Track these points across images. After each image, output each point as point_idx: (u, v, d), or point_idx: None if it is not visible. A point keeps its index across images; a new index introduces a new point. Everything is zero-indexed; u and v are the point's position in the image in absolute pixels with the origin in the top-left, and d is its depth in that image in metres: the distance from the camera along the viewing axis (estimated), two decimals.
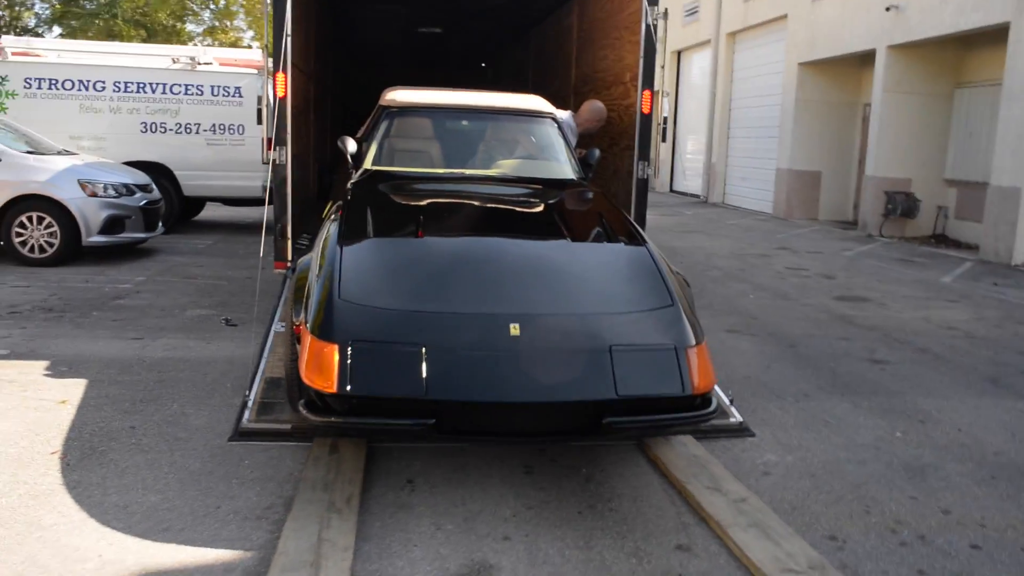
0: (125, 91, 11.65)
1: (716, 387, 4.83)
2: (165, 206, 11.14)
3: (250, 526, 3.26)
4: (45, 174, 8.86)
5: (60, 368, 5.14)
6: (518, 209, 5.05)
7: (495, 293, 3.70)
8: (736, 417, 4.58)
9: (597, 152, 6.08)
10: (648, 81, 6.53)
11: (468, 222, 4.74)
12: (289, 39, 6.29)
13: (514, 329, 3.45)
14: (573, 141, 6.47)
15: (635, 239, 4.37)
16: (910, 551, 3.26)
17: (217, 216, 13.94)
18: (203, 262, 9.36)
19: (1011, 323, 7.48)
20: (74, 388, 4.78)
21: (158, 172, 11.29)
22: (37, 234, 8.75)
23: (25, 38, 19.82)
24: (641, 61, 6.52)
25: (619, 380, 3.34)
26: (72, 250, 8.83)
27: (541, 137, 6.02)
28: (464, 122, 6.04)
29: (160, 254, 9.82)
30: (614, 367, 3.37)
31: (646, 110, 6.56)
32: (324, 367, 3.29)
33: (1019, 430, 4.68)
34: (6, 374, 4.98)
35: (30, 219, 8.73)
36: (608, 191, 7.49)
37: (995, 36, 11.78)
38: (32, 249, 8.77)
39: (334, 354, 3.30)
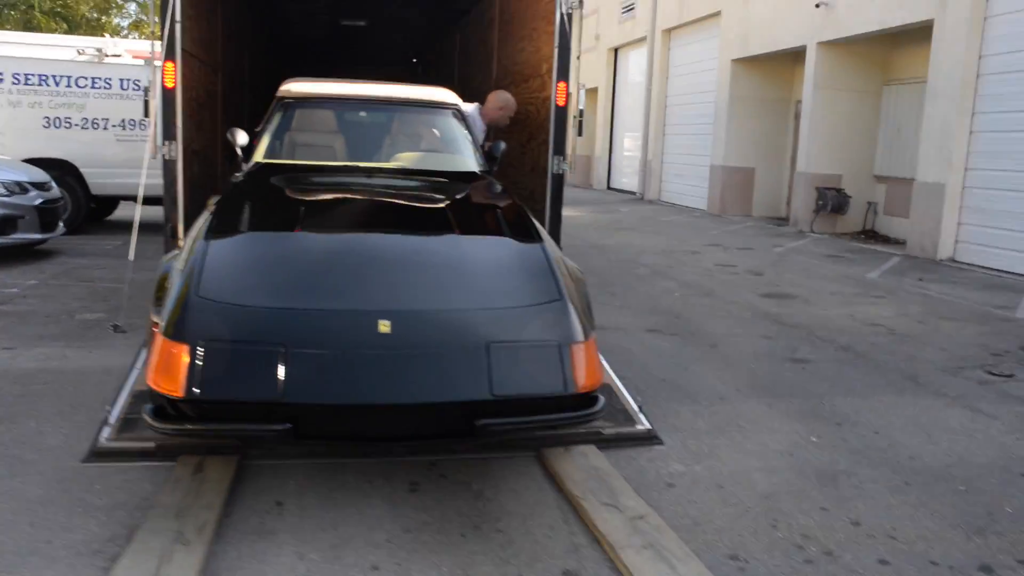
0: (26, 84, 11.01)
1: (627, 394, 4.61)
2: (70, 205, 10.55)
3: (82, 563, 2.87)
4: None
5: None
6: (410, 203, 4.78)
7: (367, 289, 3.45)
8: (644, 424, 4.32)
9: (503, 145, 5.85)
10: (563, 73, 6.27)
11: (352, 216, 4.43)
12: (179, 25, 5.91)
13: (383, 326, 3.21)
14: (480, 134, 6.19)
15: (528, 233, 4.12)
16: (815, 569, 3.02)
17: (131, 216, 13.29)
18: (106, 264, 8.82)
19: (933, 319, 7.39)
20: None
21: (63, 169, 10.71)
22: None
23: None
24: (556, 52, 6.26)
25: (495, 379, 3.14)
26: None
27: (444, 129, 5.79)
28: (363, 114, 5.77)
29: (60, 256, 9.25)
30: (491, 365, 3.16)
31: (561, 102, 6.29)
32: (172, 370, 3.05)
33: (935, 431, 4.51)
34: None
35: None
36: (526, 187, 7.24)
37: (920, 34, 11.82)
38: None
39: (183, 355, 3.06)
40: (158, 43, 5.84)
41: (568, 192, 24.09)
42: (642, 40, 21.17)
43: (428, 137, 5.74)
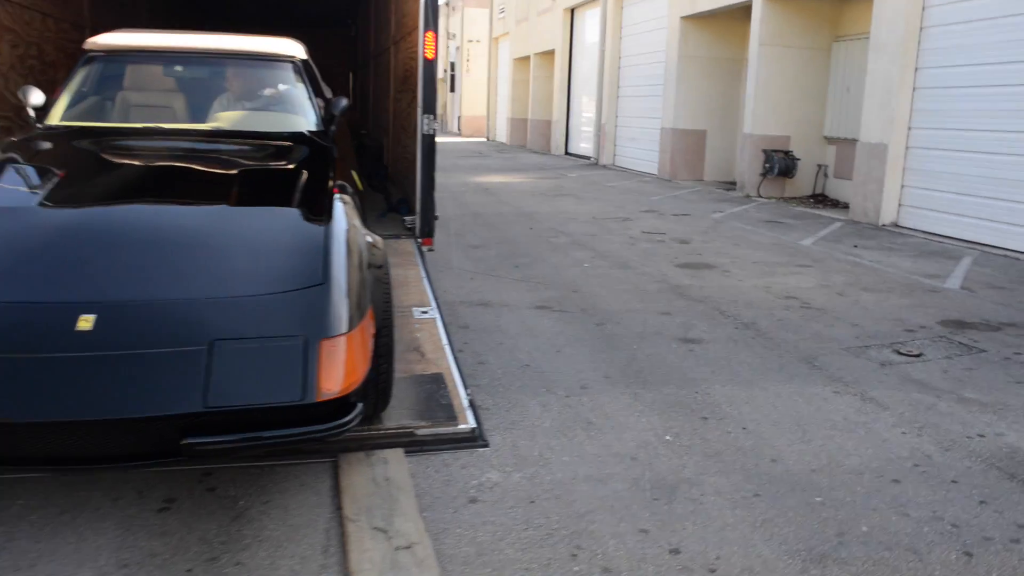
0: None
1: (460, 386, 3.98)
2: None
3: None
4: None
5: None
6: (195, 170, 4.08)
7: (77, 275, 2.89)
8: (468, 423, 3.69)
9: (344, 101, 5.10)
10: (431, 21, 5.57)
11: (111, 188, 3.75)
12: None
13: (84, 322, 2.68)
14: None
15: (318, 205, 3.48)
16: None
17: None
18: None
19: (855, 290, 6.80)
20: None
21: None
22: None
23: None
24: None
25: (213, 387, 2.59)
26: None
27: (274, 85, 5.09)
28: (180, 68, 5.04)
29: None
30: (211, 369, 2.62)
31: (429, 55, 5.62)
32: None
33: (812, 426, 3.91)
34: None
35: None
36: (411, 151, 6.57)
37: None
38: None
39: None
40: None
41: (522, 157, 23.44)
42: (597, 0, 20.37)
43: (255, 94, 5.05)
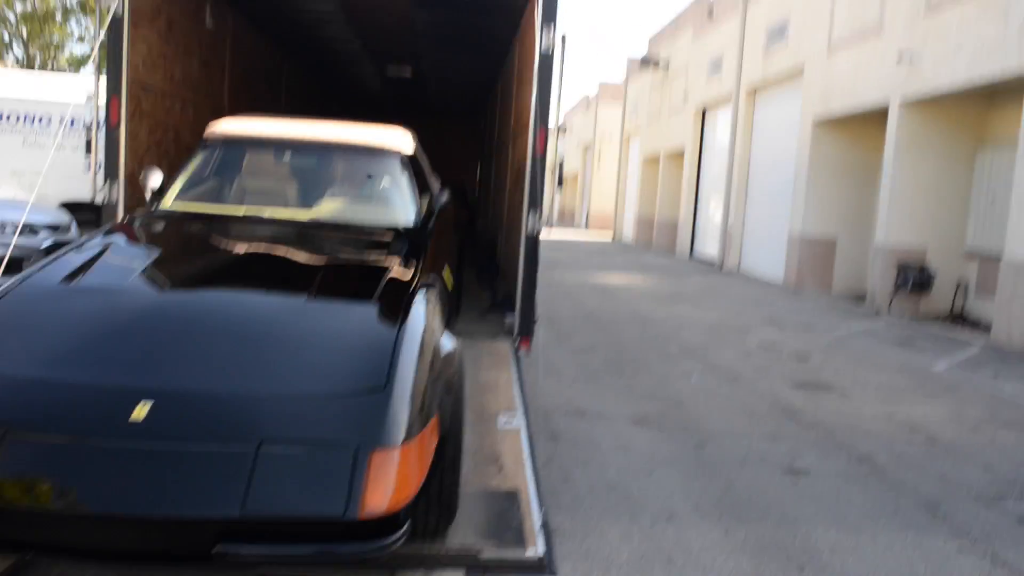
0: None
1: (534, 506, 3.75)
2: None
3: None
4: None
5: None
6: (283, 259, 4.09)
7: (142, 360, 2.87)
8: (537, 549, 3.43)
9: (445, 197, 5.18)
10: (543, 117, 5.56)
11: (194, 274, 3.84)
12: (125, 58, 5.55)
13: (139, 410, 2.63)
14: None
15: (396, 303, 3.38)
16: None
17: None
18: None
19: (992, 426, 6.16)
20: None
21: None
22: None
23: None
24: (535, 92, 5.56)
25: (253, 492, 2.47)
26: None
27: (378, 177, 5.13)
28: (290, 157, 5.17)
29: None
30: (254, 472, 2.50)
31: (540, 151, 5.57)
32: None
33: None
34: None
35: None
36: (515, 246, 6.54)
37: (1020, 89, 10.52)
38: None
39: None
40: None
41: (645, 258, 23.25)
42: (728, 100, 20.24)
43: (357, 186, 5.11)
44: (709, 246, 21.99)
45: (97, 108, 5.56)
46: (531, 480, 3.99)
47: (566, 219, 49.20)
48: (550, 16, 5.48)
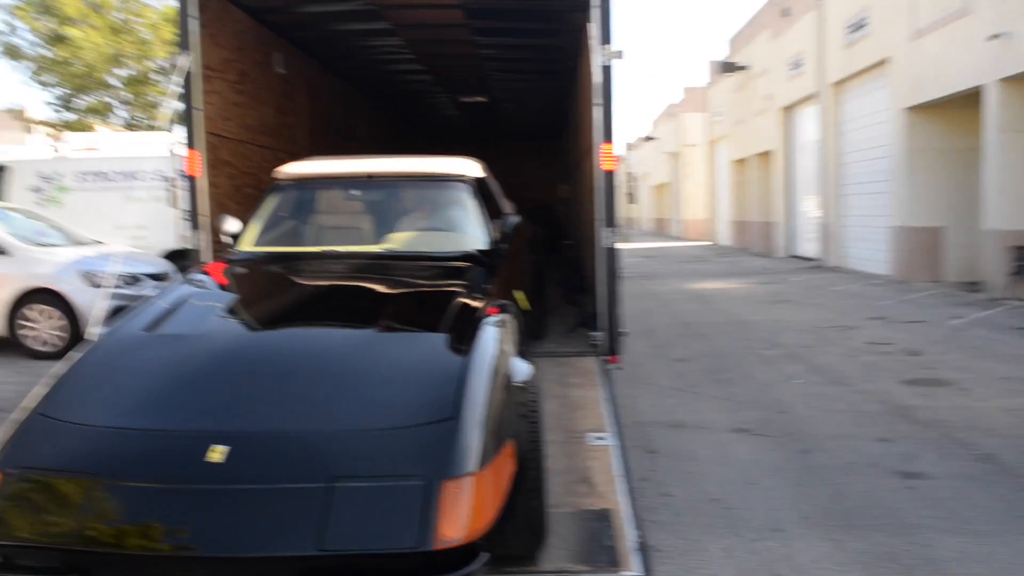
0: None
1: (630, 526, 3.61)
2: None
3: None
4: (51, 267, 8.72)
5: None
6: (355, 294, 4.14)
7: (217, 404, 2.93)
8: (632, 570, 3.29)
9: (514, 219, 5.10)
10: (607, 133, 5.47)
11: (274, 314, 3.91)
12: (199, 113, 5.77)
13: (215, 453, 2.65)
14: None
15: (464, 332, 3.31)
16: None
17: None
18: None
19: None
20: None
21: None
22: (44, 326, 8.57)
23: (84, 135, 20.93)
24: (598, 110, 5.47)
25: (329, 528, 2.46)
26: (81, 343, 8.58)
27: (446, 205, 5.12)
28: (357, 194, 5.27)
29: None
30: (329, 509, 2.50)
31: (607, 167, 5.48)
32: None
33: None
34: None
35: (41, 312, 8.59)
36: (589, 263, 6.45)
37: None
38: (43, 343, 8.59)
39: None
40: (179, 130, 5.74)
41: (743, 261, 22.73)
42: (812, 97, 19.64)
43: (428, 214, 5.12)
44: (807, 244, 21.29)
45: (176, 161, 5.80)
46: (624, 498, 3.86)
47: (660, 230, 48.59)
48: (606, 37, 5.42)
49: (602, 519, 3.65)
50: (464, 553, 2.50)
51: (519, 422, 3.06)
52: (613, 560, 3.33)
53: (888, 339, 8.94)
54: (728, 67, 26.39)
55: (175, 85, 5.60)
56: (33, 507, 2.61)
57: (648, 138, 49.28)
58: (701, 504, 4.21)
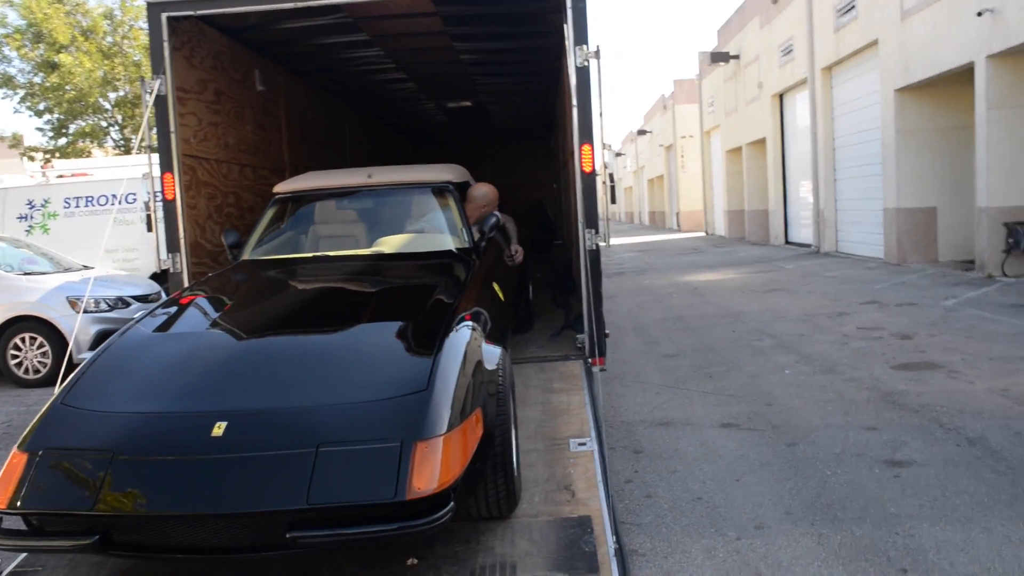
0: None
1: (609, 530, 3.60)
2: None
3: None
4: (36, 294, 8.73)
5: None
6: (343, 292, 4.65)
7: (217, 389, 3.37)
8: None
9: (492, 218, 5.30)
10: (585, 134, 5.46)
11: (271, 311, 4.37)
12: (174, 135, 5.80)
13: (217, 429, 3.07)
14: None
15: (438, 317, 3.79)
16: None
17: None
18: None
19: None
20: None
21: None
22: (31, 355, 8.59)
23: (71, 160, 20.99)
24: (574, 111, 5.47)
25: (315, 485, 2.87)
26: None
27: (427, 209, 5.64)
28: (349, 202, 5.76)
29: None
30: (315, 470, 2.91)
31: (586, 168, 5.48)
32: (7, 481, 3.04)
33: None
34: None
35: (27, 340, 8.61)
36: (575, 264, 6.54)
37: None
38: (27, 370, 8.61)
39: (21, 466, 3.07)
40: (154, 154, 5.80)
41: (738, 251, 22.69)
42: (804, 82, 19.58)
43: (413, 218, 5.62)
44: (803, 230, 21.24)
45: (152, 184, 5.85)
46: (604, 504, 3.84)
47: (657, 223, 48.51)
48: (581, 38, 5.43)
49: (582, 525, 3.63)
50: (434, 503, 2.88)
51: (487, 398, 3.46)
52: (592, 567, 3.31)
53: (880, 324, 8.91)
54: (719, 57, 26.31)
55: (148, 110, 5.63)
56: (58, 480, 2.99)
57: (641, 131, 49.21)
58: (684, 504, 4.19)
